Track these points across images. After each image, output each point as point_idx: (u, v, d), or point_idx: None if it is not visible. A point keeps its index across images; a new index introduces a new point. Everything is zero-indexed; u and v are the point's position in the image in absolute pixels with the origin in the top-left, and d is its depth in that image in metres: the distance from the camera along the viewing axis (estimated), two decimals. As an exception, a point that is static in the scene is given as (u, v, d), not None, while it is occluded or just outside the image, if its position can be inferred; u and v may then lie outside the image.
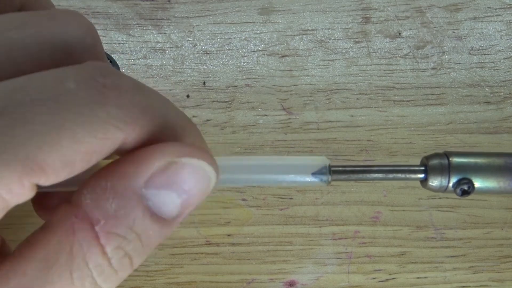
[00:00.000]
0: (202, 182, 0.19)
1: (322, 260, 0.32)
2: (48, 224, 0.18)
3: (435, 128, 0.35)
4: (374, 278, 0.32)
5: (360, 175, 0.22)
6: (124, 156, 0.19)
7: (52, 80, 0.17)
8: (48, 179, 0.16)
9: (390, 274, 0.32)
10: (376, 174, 0.23)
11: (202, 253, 0.32)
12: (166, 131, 0.19)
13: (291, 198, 0.33)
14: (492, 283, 0.32)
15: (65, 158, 0.16)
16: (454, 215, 0.33)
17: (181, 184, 0.19)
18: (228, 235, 0.32)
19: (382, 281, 0.32)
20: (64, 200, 0.20)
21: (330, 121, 0.35)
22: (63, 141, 0.16)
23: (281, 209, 0.33)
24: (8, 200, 0.16)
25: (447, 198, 0.33)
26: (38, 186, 0.17)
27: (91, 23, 0.20)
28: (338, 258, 0.32)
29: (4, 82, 0.17)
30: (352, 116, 0.35)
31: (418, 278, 0.32)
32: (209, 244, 0.32)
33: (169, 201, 0.19)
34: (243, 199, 0.33)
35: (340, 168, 0.22)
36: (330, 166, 0.22)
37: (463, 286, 0.32)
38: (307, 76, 0.36)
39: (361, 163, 0.31)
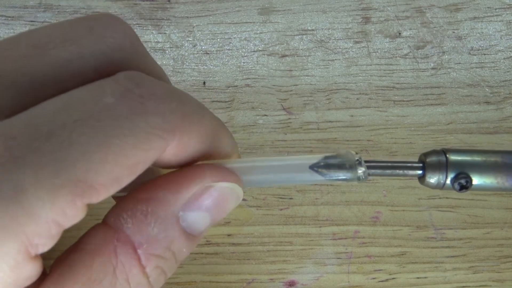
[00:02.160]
0: (232, 202, 0.21)
1: (322, 260, 0.32)
2: (84, 246, 0.19)
3: (435, 128, 0.35)
4: (374, 278, 0.32)
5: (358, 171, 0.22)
6: (161, 179, 0.20)
7: (91, 97, 0.17)
8: (99, 197, 0.17)
9: (390, 274, 0.32)
10: (374, 170, 0.23)
11: (202, 253, 0.32)
12: (203, 136, 0.19)
13: (291, 198, 0.33)
14: (492, 283, 0.32)
15: (114, 174, 0.16)
16: (454, 215, 0.33)
17: (213, 205, 0.21)
18: (228, 235, 0.32)
19: (382, 281, 0.32)
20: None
21: (330, 121, 0.35)
22: (109, 158, 0.16)
23: (281, 209, 0.33)
24: (62, 224, 0.16)
25: (447, 198, 0.33)
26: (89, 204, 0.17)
27: (128, 26, 0.20)
28: (338, 258, 0.32)
29: (45, 103, 0.17)
30: (352, 116, 0.35)
31: (418, 278, 0.32)
32: (209, 244, 0.32)
33: (201, 220, 0.20)
34: (243, 199, 0.33)
35: (337, 163, 0.22)
36: (326, 157, 0.22)
37: (463, 286, 0.32)
38: (307, 76, 0.36)
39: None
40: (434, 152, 0.23)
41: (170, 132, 0.18)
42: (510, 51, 0.36)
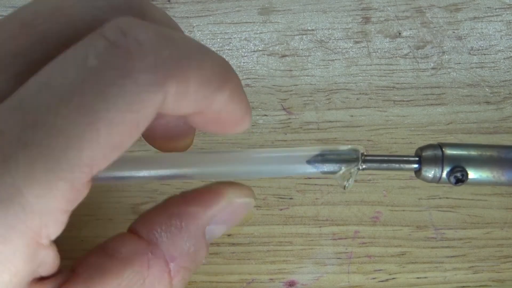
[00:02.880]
0: (245, 213, 0.23)
1: (322, 260, 0.32)
2: (117, 254, 0.19)
3: (435, 128, 0.35)
4: (374, 278, 0.32)
5: (354, 164, 0.23)
6: (191, 195, 0.22)
7: (73, 64, 0.16)
8: (101, 167, 0.16)
9: (390, 274, 0.32)
10: (370, 164, 0.23)
11: (202, 253, 0.32)
12: (205, 81, 0.18)
13: (291, 198, 0.33)
14: (492, 283, 0.32)
15: (110, 144, 0.16)
16: (454, 215, 0.33)
17: (231, 218, 0.22)
18: (228, 235, 0.32)
19: (382, 281, 0.32)
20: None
21: (330, 121, 0.35)
22: (102, 132, 0.16)
23: (281, 209, 0.33)
24: (67, 208, 0.17)
25: (447, 198, 0.33)
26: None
27: None
28: (338, 258, 0.32)
29: (30, 81, 0.16)
30: (352, 116, 0.35)
31: (418, 278, 0.32)
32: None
33: (219, 231, 0.22)
34: (243, 199, 0.33)
35: (334, 157, 0.22)
36: (321, 154, 0.22)
37: (463, 286, 0.32)
38: (307, 76, 0.36)
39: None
40: (430, 146, 0.23)
41: (163, 85, 0.16)
42: (510, 51, 0.36)
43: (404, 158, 0.23)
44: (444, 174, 0.23)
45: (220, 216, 0.22)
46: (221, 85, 0.19)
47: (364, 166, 0.22)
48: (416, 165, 0.23)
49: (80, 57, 0.16)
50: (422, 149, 0.23)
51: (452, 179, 0.22)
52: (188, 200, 0.21)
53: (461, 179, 0.22)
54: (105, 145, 0.16)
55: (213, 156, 0.22)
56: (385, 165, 0.23)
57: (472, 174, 0.23)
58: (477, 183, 0.23)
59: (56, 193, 0.16)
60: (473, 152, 0.23)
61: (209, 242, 0.22)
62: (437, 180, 0.23)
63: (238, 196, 0.22)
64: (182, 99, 0.18)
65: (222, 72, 0.19)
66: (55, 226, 0.16)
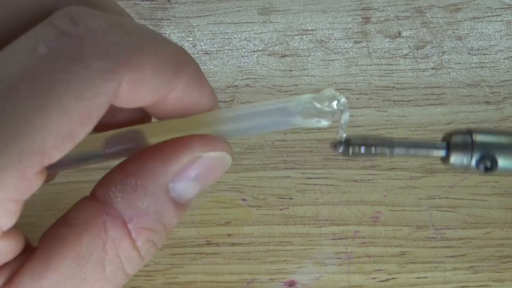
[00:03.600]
0: (220, 169, 0.21)
1: (322, 260, 0.32)
2: (73, 220, 0.19)
3: (435, 128, 0.35)
4: (374, 278, 0.32)
5: (380, 149, 0.22)
6: (149, 151, 0.20)
7: (23, 51, 0.16)
8: (53, 159, 0.16)
9: (390, 274, 0.32)
10: (398, 149, 0.22)
11: (202, 253, 0.32)
12: (161, 67, 0.18)
13: (291, 198, 0.33)
14: (492, 283, 0.32)
15: (62, 132, 0.16)
16: (454, 215, 0.33)
17: (203, 175, 0.20)
18: (228, 235, 0.32)
19: (382, 281, 0.32)
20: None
21: (330, 121, 0.35)
22: (52, 119, 0.15)
23: (281, 209, 0.33)
24: (19, 199, 0.16)
25: (447, 198, 0.33)
26: (48, 167, 0.16)
27: None
28: (338, 258, 0.32)
29: None
30: (352, 116, 0.35)
31: (418, 278, 0.32)
32: (209, 244, 0.32)
33: (190, 190, 0.20)
34: (243, 199, 0.33)
35: (357, 140, 0.21)
36: (346, 141, 0.21)
37: (463, 286, 0.32)
38: (307, 76, 0.36)
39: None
40: (459, 132, 0.22)
41: (116, 72, 0.16)
42: (510, 51, 0.36)
43: (432, 144, 0.22)
44: (473, 162, 0.22)
45: (187, 172, 0.20)
46: (178, 71, 0.18)
47: (389, 151, 0.22)
48: (443, 152, 0.22)
49: (29, 45, 0.16)
50: (451, 134, 0.22)
51: (482, 168, 0.22)
52: (146, 157, 0.19)
53: (491, 168, 0.22)
54: (56, 133, 0.15)
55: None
56: (412, 150, 0.22)
57: (502, 162, 0.22)
58: (506, 171, 0.22)
59: (5, 182, 0.15)
60: (504, 140, 0.22)
61: (185, 202, 0.20)
62: (465, 167, 0.22)
63: (208, 149, 0.20)
64: (138, 88, 0.17)
65: (177, 59, 0.19)
66: (6, 217, 0.16)
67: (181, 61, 0.19)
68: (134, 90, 0.17)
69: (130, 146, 0.20)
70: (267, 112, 0.20)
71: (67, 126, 0.15)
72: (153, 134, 0.20)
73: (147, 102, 0.18)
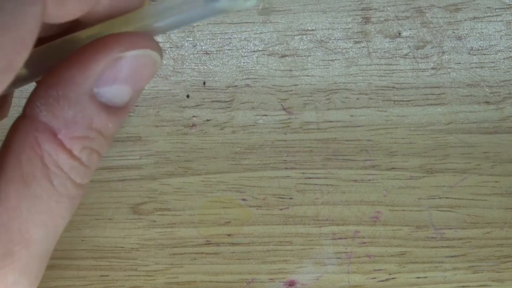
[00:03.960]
0: (149, 68, 0.20)
1: (322, 260, 0.32)
2: (9, 144, 0.19)
3: (435, 128, 0.35)
4: (374, 278, 0.32)
5: None
6: (68, 59, 0.19)
7: None
8: None
9: (390, 274, 0.32)
10: None
11: (202, 253, 0.32)
12: None
13: (291, 198, 0.33)
14: (492, 283, 0.32)
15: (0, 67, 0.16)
16: (454, 215, 0.33)
17: (130, 76, 0.19)
18: (228, 235, 0.32)
19: (382, 281, 0.32)
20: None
21: (330, 121, 0.35)
22: None
23: (281, 209, 0.33)
24: None
25: (447, 198, 0.33)
26: None
27: None
28: (338, 258, 0.32)
29: None
30: (352, 116, 0.35)
31: (418, 278, 0.32)
32: (209, 244, 0.32)
33: (121, 93, 0.20)
34: (243, 199, 0.33)
35: None
36: None
37: (463, 286, 0.32)
38: (307, 76, 0.36)
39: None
40: None
41: None
42: (510, 51, 0.36)
43: None
44: None
45: (110, 75, 0.19)
46: None
47: None
48: None
49: None
50: None
51: None
52: (65, 65, 0.19)
53: None
54: None
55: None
56: None
57: None
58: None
59: None
60: None
61: (121, 106, 0.20)
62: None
63: (128, 48, 0.19)
64: (63, 2, 0.17)
65: None
66: None
67: None
68: (61, 5, 0.17)
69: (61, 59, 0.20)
70: (191, 1, 0.19)
71: (3, 61, 0.16)
72: (82, 42, 0.20)
73: (76, 14, 0.18)
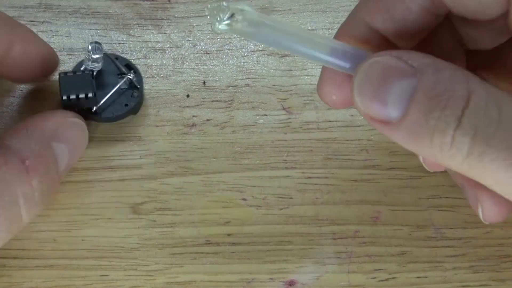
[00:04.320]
0: (79, 133, 0.29)
1: (322, 260, 0.32)
2: None
3: (435, 127, 0.35)
4: (374, 278, 0.32)
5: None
6: (40, 118, 0.26)
7: None
8: None
9: (390, 274, 0.32)
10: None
11: (202, 253, 0.32)
12: None
13: (291, 198, 0.33)
14: (492, 282, 0.32)
15: None
16: (454, 215, 0.33)
17: (69, 138, 0.27)
18: (228, 234, 0.32)
19: (382, 280, 0.32)
20: None
21: (330, 121, 0.35)
22: None
23: (281, 209, 0.33)
24: None
25: (447, 198, 0.33)
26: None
27: None
28: (338, 257, 0.32)
29: None
30: (352, 116, 0.35)
31: (418, 277, 0.32)
32: (209, 243, 0.32)
33: (64, 152, 0.26)
34: (243, 199, 0.33)
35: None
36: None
37: (464, 286, 0.32)
38: (307, 76, 0.36)
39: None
40: None
41: None
42: (510, 51, 0.36)
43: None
44: None
45: (60, 132, 0.26)
46: (11, 29, 0.27)
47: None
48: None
49: None
50: None
51: None
52: (35, 115, 0.26)
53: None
54: None
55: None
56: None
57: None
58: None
59: None
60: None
61: (63, 168, 0.27)
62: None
63: (66, 116, 0.28)
64: None
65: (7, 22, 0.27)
66: None
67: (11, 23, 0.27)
68: None
69: None
70: None
71: None
72: None
73: None
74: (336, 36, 0.24)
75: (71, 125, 0.27)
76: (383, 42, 0.22)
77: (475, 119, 0.17)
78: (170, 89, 0.36)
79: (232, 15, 0.19)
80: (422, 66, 0.18)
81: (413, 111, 0.18)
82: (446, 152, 0.18)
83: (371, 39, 0.22)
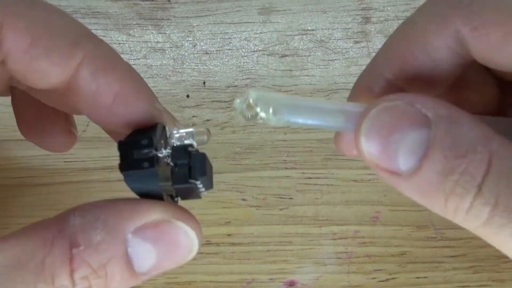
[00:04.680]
0: (184, 250, 0.19)
1: (322, 260, 0.32)
2: (30, 226, 0.18)
3: (435, 128, 0.35)
4: (374, 278, 0.32)
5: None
6: (124, 199, 0.19)
7: None
8: None
9: (390, 274, 0.32)
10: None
11: (202, 253, 0.32)
12: (51, 40, 0.18)
13: (291, 198, 0.33)
14: (492, 282, 0.32)
15: None
16: (454, 215, 0.33)
17: (165, 245, 0.19)
18: (228, 235, 0.32)
19: (382, 281, 0.32)
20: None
21: (330, 121, 0.35)
22: None
23: (281, 209, 0.33)
24: None
25: (447, 198, 0.33)
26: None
27: None
28: (338, 258, 0.32)
29: None
30: (352, 116, 0.35)
31: (418, 278, 0.32)
32: (209, 244, 0.32)
33: (146, 256, 0.19)
34: (243, 199, 0.33)
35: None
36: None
37: (463, 286, 0.32)
38: (307, 76, 0.36)
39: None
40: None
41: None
42: (510, 51, 0.36)
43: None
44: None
45: (149, 232, 0.19)
46: (71, 48, 0.18)
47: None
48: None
49: None
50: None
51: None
52: (120, 201, 0.19)
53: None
54: None
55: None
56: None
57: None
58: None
59: None
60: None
61: (138, 269, 0.19)
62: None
63: (177, 217, 0.19)
64: (33, 58, 0.18)
65: (75, 32, 0.19)
66: None
67: (79, 35, 0.19)
68: (29, 67, 0.18)
69: None
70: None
71: None
72: None
73: (54, 80, 0.18)
74: (354, 95, 0.22)
75: (171, 228, 0.19)
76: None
77: (497, 188, 0.16)
78: (170, 89, 0.36)
79: (256, 114, 0.19)
80: (437, 118, 0.17)
81: (426, 168, 0.17)
82: (461, 217, 0.17)
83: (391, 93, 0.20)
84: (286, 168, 0.34)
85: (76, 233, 0.18)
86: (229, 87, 0.36)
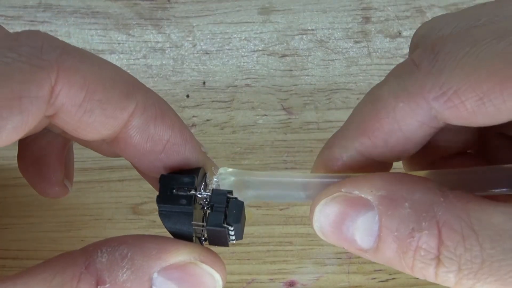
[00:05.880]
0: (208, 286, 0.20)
1: (322, 260, 0.32)
2: (56, 258, 0.19)
3: (435, 128, 0.35)
4: (374, 278, 0.32)
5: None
6: (151, 237, 0.19)
7: None
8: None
9: (390, 274, 0.32)
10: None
11: (202, 253, 0.32)
12: (105, 90, 0.18)
13: (291, 198, 0.33)
14: (492, 283, 0.32)
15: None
16: (454, 215, 0.33)
17: (189, 286, 0.19)
18: (228, 235, 0.32)
19: (382, 281, 0.32)
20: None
21: (330, 121, 0.35)
22: None
23: (281, 209, 0.33)
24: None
25: (447, 198, 0.33)
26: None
27: None
28: (338, 258, 0.32)
29: None
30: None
31: (417, 278, 0.32)
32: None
33: None
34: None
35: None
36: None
37: (464, 286, 0.32)
38: (307, 76, 0.36)
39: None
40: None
41: (46, 63, 0.17)
42: (510, 51, 0.36)
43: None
44: None
45: (175, 272, 0.19)
46: (124, 100, 0.18)
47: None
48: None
49: None
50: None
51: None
52: (147, 239, 0.19)
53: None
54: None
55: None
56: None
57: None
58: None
59: None
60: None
61: None
62: None
63: (203, 260, 0.20)
64: (87, 112, 0.18)
65: (127, 84, 0.19)
66: None
67: (130, 86, 0.19)
68: (81, 112, 0.18)
69: None
70: None
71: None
72: None
73: (101, 133, 0.19)
74: (318, 166, 0.22)
75: (197, 270, 0.20)
76: (374, 164, 0.20)
77: (455, 255, 0.16)
78: (170, 89, 0.35)
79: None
80: (377, 200, 0.17)
81: (384, 247, 0.17)
82: (432, 280, 0.17)
83: (361, 163, 0.20)
84: (286, 168, 0.34)
85: (103, 270, 0.18)
86: (229, 87, 0.36)
